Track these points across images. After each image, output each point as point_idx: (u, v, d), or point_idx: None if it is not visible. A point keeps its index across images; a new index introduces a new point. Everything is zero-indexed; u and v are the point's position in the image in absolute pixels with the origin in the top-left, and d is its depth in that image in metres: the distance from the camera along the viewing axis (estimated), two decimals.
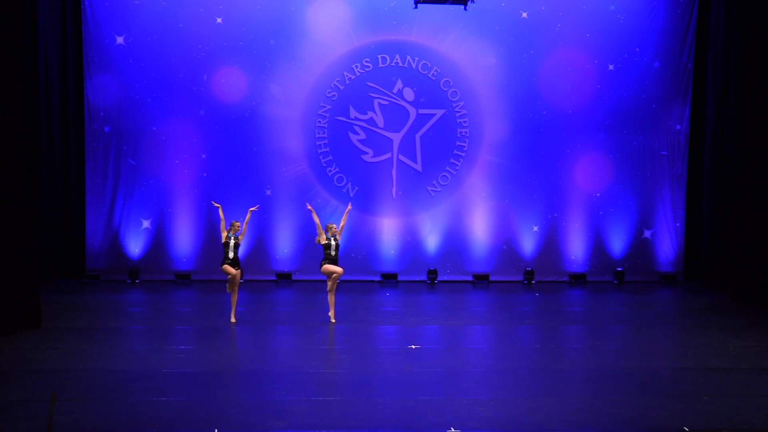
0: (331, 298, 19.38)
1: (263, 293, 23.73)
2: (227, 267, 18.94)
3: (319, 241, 19.33)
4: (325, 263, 19.18)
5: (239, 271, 19.10)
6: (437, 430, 12.12)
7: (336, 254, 19.22)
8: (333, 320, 19.24)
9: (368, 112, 25.68)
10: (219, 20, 25.14)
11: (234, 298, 19.24)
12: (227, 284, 19.17)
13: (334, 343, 17.27)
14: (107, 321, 19.56)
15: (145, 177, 25.30)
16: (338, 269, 19.18)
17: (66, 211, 25.38)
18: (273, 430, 12.00)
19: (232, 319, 19.04)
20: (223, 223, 19.41)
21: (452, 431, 12.06)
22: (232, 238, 18.86)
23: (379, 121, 25.69)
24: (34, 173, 24.21)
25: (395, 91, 25.66)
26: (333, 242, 19.16)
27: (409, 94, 25.68)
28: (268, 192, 25.54)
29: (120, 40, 25.03)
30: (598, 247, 26.16)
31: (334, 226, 19.36)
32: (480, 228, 25.95)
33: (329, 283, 19.25)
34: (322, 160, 25.66)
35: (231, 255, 18.85)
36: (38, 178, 24.45)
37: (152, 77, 25.13)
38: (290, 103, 25.49)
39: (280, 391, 13.96)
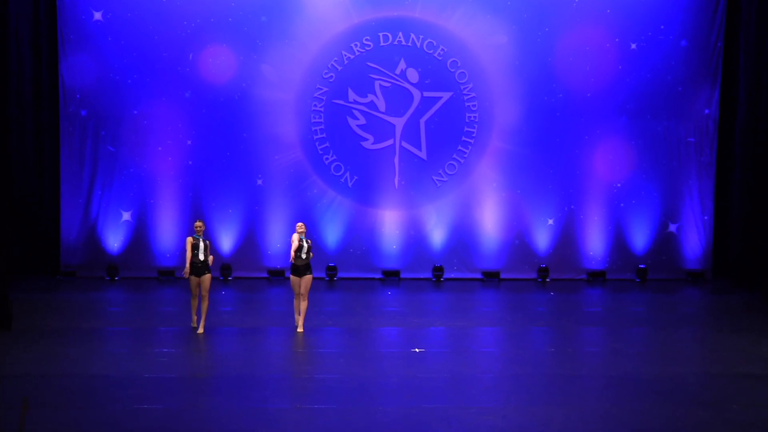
0: (299, 304, 18.53)
1: (254, 292, 23.73)
2: (191, 278, 18.14)
3: (292, 258, 18.28)
4: (293, 272, 18.35)
5: (208, 275, 18.19)
6: None
7: (308, 258, 18.31)
8: (300, 329, 18.43)
9: (368, 94, 25.67)
10: None
11: (204, 306, 18.23)
12: (193, 291, 18.34)
13: (330, 347, 17.27)
14: (84, 321, 19.56)
15: (126, 165, 25.31)
16: (306, 282, 18.24)
17: (39, 202, 25.37)
18: None
19: (200, 330, 18.22)
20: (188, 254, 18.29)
21: None
22: (201, 240, 18.18)
23: (381, 104, 25.69)
24: (3, 161, 24.21)
25: (398, 72, 25.65)
26: (305, 244, 18.32)
27: (413, 75, 25.67)
28: (260, 181, 25.54)
29: (98, 15, 25.02)
30: (618, 243, 26.15)
31: (303, 226, 18.50)
32: (490, 221, 25.95)
33: (298, 289, 18.38)
34: (318, 147, 25.66)
35: (202, 257, 18.13)
36: (8, 166, 24.45)
37: (133, 56, 25.13)
38: (283, 84, 25.48)
39: (272, 398, 13.98)
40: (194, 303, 18.37)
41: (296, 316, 18.59)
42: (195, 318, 18.44)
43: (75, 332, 18.36)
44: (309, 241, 18.41)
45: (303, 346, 17.41)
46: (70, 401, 13.67)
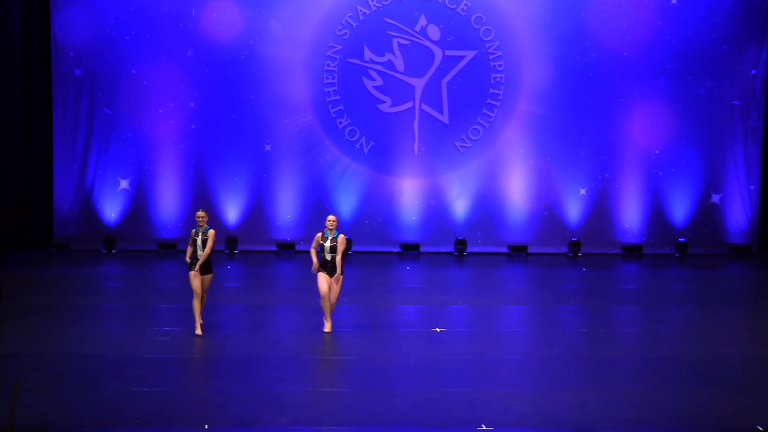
0: (325, 304, 16.93)
1: (262, 266, 23.76)
2: (192, 273, 16.62)
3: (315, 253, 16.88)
4: (323, 267, 16.79)
5: (209, 276, 16.75)
6: (465, 427, 12.16)
7: (333, 259, 16.67)
8: (328, 329, 16.92)
9: (386, 53, 25.60)
10: None
11: (199, 305, 16.77)
12: (195, 291, 16.70)
13: (344, 326, 17.29)
14: (78, 298, 19.62)
15: (123, 129, 25.32)
16: (333, 288, 16.69)
17: (29, 169, 25.41)
18: (272, 427, 12.05)
19: (198, 331, 16.69)
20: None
21: (483, 428, 12.09)
22: (200, 233, 16.59)
23: (399, 64, 25.62)
24: None
25: (418, 28, 25.57)
26: (328, 243, 16.69)
27: (434, 32, 25.59)
28: (268, 147, 25.53)
29: None
30: (656, 214, 26.09)
31: (334, 220, 16.89)
32: (517, 191, 25.91)
33: (325, 288, 16.71)
34: (332, 110, 25.63)
35: (200, 253, 16.54)
36: None
37: (131, 11, 25.10)
38: (294, 42, 25.43)
39: (281, 381, 14.01)
40: (197, 305, 16.67)
41: (326, 318, 16.90)
42: (199, 323, 16.64)
43: (69, 309, 18.42)
44: (338, 238, 16.62)
45: (314, 324, 17.41)
46: (64, 383, 13.72)
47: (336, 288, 16.67)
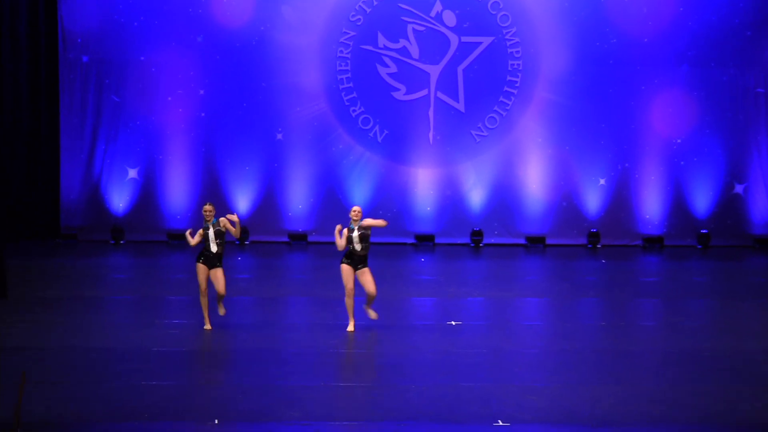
0: (353, 303, 16.61)
1: (273, 257, 23.77)
2: (200, 266, 16.40)
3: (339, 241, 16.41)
4: (344, 262, 16.44)
5: (220, 270, 16.41)
6: (481, 422, 12.14)
7: (363, 249, 16.27)
8: (350, 327, 16.52)
9: (400, 39, 25.58)
10: None
11: (207, 301, 16.61)
12: (201, 286, 16.45)
13: (357, 319, 17.27)
14: (85, 289, 19.65)
15: (132, 117, 25.35)
16: (366, 279, 16.25)
17: (36, 158, 25.44)
18: (283, 422, 12.04)
19: (207, 326, 16.54)
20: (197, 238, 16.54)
21: (499, 424, 12.08)
22: (211, 226, 16.31)
23: (414, 50, 25.59)
24: None
25: (433, 14, 25.54)
26: (356, 232, 16.24)
27: (449, 18, 25.55)
28: (279, 136, 25.55)
29: None
30: (677, 205, 26.04)
31: (358, 211, 16.35)
32: (534, 181, 25.88)
33: (351, 282, 16.38)
34: (345, 98, 25.62)
35: (214, 249, 16.29)
36: (1, 118, 24.49)
37: None
38: (306, 28, 25.42)
39: (293, 374, 14.01)
40: (204, 301, 16.48)
41: (350, 317, 16.54)
42: (208, 319, 16.50)
43: (76, 301, 18.45)
44: (365, 229, 16.25)
45: (327, 318, 17.42)
46: (71, 376, 13.74)
47: (369, 278, 16.24)
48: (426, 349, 15.48)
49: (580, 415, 12.43)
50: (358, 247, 16.19)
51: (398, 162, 25.77)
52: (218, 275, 16.32)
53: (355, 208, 16.37)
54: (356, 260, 16.25)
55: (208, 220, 16.32)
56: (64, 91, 25.24)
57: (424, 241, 25.82)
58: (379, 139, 25.66)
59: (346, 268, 16.29)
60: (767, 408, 12.87)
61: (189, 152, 25.45)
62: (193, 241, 16.38)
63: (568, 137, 25.80)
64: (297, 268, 22.99)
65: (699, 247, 25.90)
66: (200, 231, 16.36)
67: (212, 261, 16.34)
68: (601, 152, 25.84)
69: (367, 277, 16.22)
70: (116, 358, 14.66)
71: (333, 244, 15.83)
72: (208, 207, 16.45)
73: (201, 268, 16.32)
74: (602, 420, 12.28)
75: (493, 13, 25.59)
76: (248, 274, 21.37)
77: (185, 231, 16.60)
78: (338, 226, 16.35)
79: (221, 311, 16.53)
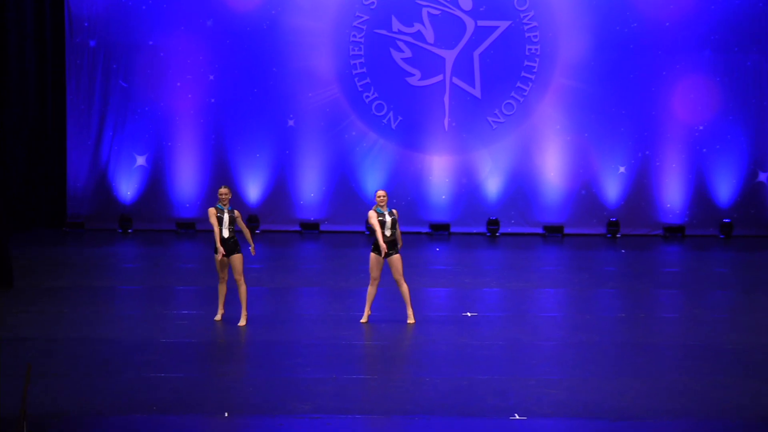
0: (374, 292, 16.60)
1: (284, 247, 23.79)
2: (219, 257, 16.12)
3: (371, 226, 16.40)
4: (374, 250, 16.36)
5: (238, 255, 16.25)
6: (497, 416, 12.14)
7: (394, 235, 16.28)
8: (364, 318, 16.58)
9: (415, 23, 25.56)
10: None
11: (241, 292, 16.32)
12: (219, 274, 16.33)
13: (370, 309, 17.27)
14: (93, 279, 19.69)
15: (140, 103, 25.38)
16: (396, 268, 16.26)
17: (42, 145, 25.49)
18: (294, 415, 12.06)
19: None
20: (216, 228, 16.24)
21: (516, 418, 12.07)
22: (226, 211, 16.15)
23: (429, 35, 25.57)
24: (1, 98, 24.30)
25: None
26: (388, 218, 16.25)
27: (465, 1, 25.53)
28: (291, 122, 25.56)
29: None
30: (699, 194, 26.01)
31: (385, 195, 16.42)
32: (552, 168, 25.85)
33: (377, 272, 16.40)
34: (358, 84, 25.61)
35: (226, 234, 16.08)
36: (7, 104, 24.54)
37: None
38: (318, 12, 25.42)
39: (304, 367, 14.02)
40: (222, 290, 16.38)
41: (367, 306, 16.59)
42: (221, 310, 16.45)
43: (83, 291, 18.48)
44: (394, 212, 16.33)
45: (340, 309, 17.43)
46: (78, 368, 13.76)
47: (398, 265, 16.22)
48: (441, 341, 15.49)
49: (599, 408, 12.43)
50: (388, 232, 16.22)
51: (413, 149, 25.77)
52: (236, 259, 16.18)
53: (381, 192, 16.36)
54: (386, 246, 16.16)
55: (225, 205, 16.19)
56: (71, 77, 25.28)
57: (439, 230, 25.82)
58: (393, 126, 25.65)
59: (373, 257, 16.31)
60: None
61: (198, 139, 25.48)
62: (216, 230, 16.06)
63: (587, 124, 25.77)
64: (309, 258, 23.00)
65: (721, 236, 25.87)
66: (212, 212, 16.10)
67: (229, 248, 16.12)
68: (620, 139, 25.81)
69: (396, 265, 16.26)
70: (124, 349, 14.68)
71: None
72: (224, 190, 16.33)
73: (220, 258, 16.06)
74: (621, 414, 12.27)
75: None
76: (259, 264, 21.36)
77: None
78: (377, 223, 16.20)
79: (242, 322, 16.20)
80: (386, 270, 16.44)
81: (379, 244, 16.16)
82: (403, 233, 16.28)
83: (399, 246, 16.40)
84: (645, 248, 24.46)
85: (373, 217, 16.20)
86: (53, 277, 19.84)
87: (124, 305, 17.82)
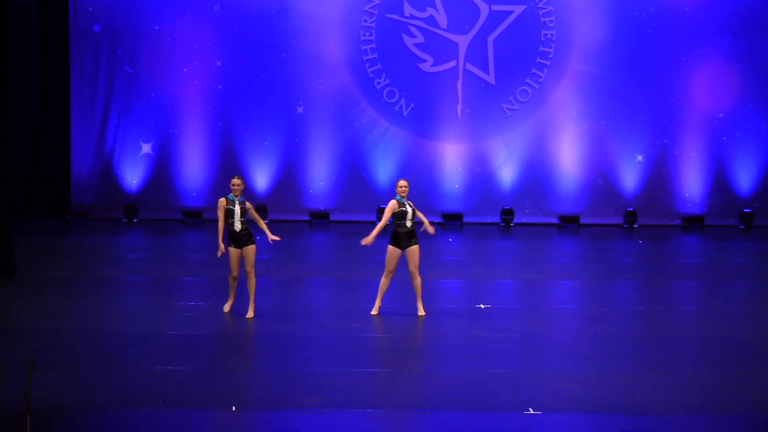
0: (387, 283, 16.62)
1: (293, 237, 23.81)
2: (232, 250, 16.11)
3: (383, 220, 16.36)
4: (393, 242, 16.33)
5: (252, 247, 16.23)
6: (510, 410, 12.15)
7: (413, 227, 16.33)
8: (374, 310, 16.59)
9: (427, 8, 25.54)
10: None
11: (250, 284, 16.31)
12: (233, 271, 16.25)
13: (381, 301, 17.29)
14: (97, 270, 19.72)
15: (145, 89, 25.40)
16: (412, 255, 16.31)
17: (45, 132, 25.53)
18: (303, 409, 12.08)
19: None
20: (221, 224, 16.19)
21: (530, 412, 12.08)
22: (237, 203, 16.01)
23: (442, 20, 25.55)
24: (3, 85, 24.32)
25: None
26: (408, 208, 16.23)
27: None
28: (300, 109, 25.56)
29: None
30: (719, 183, 25.97)
31: (406, 184, 16.45)
32: (568, 157, 25.83)
33: (394, 264, 16.40)
34: (369, 70, 25.60)
35: (239, 227, 16.03)
36: (9, 91, 24.56)
37: None
38: None
39: (313, 360, 14.04)
40: (233, 284, 16.36)
41: (378, 298, 16.62)
42: (231, 302, 16.49)
43: (87, 282, 18.53)
44: (411, 203, 16.34)
45: (350, 300, 17.45)
46: (82, 361, 13.80)
47: (416, 256, 16.29)
48: (453, 334, 15.50)
49: (615, 403, 12.44)
50: (408, 224, 16.23)
51: (425, 137, 25.76)
52: (250, 250, 16.16)
53: (402, 182, 16.38)
54: (404, 238, 16.22)
55: (237, 196, 16.11)
56: (75, 62, 25.30)
57: (452, 219, 25.82)
58: (405, 113, 25.64)
59: (392, 250, 16.29)
60: None
61: (205, 126, 25.49)
62: (220, 225, 16.08)
63: (603, 111, 25.73)
64: (318, 248, 23.02)
65: (742, 227, 25.83)
66: (222, 203, 16.04)
67: (242, 240, 16.11)
68: (638, 127, 25.78)
69: (414, 256, 16.29)
70: (129, 342, 14.72)
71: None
72: (236, 180, 16.25)
73: (233, 252, 16.09)
74: (638, 408, 12.28)
75: None
76: (267, 255, 21.38)
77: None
78: (386, 219, 16.24)
79: (250, 314, 16.22)
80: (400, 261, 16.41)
81: (397, 236, 16.16)
82: (414, 223, 16.23)
83: (432, 232, 16.54)
84: (663, 239, 24.45)
85: (392, 207, 16.16)
86: (57, 267, 19.89)
87: (130, 296, 17.86)
